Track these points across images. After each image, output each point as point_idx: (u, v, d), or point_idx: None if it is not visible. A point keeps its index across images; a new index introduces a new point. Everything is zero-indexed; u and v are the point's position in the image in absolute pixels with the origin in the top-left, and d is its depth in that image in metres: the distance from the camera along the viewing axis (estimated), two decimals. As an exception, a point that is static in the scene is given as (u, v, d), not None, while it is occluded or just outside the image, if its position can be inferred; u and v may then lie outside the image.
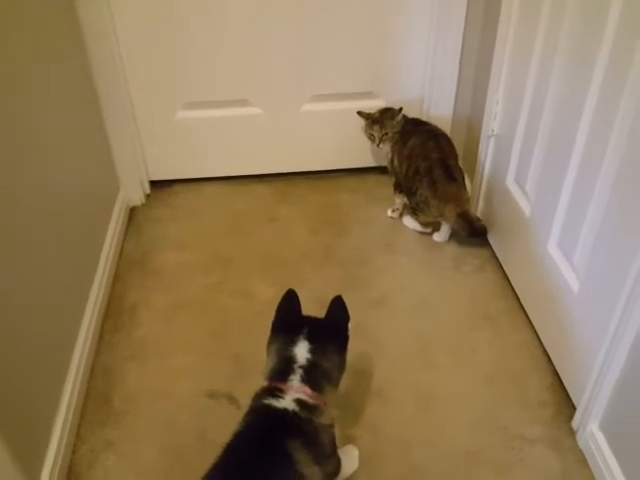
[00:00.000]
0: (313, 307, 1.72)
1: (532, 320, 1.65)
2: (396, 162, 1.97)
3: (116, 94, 1.91)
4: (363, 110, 1.99)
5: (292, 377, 1.07)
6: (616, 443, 1.24)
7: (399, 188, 2.01)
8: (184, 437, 1.40)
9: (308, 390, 1.06)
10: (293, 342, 1.09)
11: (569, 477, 1.31)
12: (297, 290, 1.77)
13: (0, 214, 1.16)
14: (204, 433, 1.40)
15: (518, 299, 1.72)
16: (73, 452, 1.37)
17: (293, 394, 1.05)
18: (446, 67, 2.01)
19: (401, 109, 1.94)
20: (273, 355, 1.12)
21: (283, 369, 1.08)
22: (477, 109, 1.92)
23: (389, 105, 2.02)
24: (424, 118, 2.06)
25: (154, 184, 2.19)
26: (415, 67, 2.05)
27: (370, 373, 1.54)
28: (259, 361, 1.57)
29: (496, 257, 1.87)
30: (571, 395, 1.44)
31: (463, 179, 1.91)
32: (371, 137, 1.98)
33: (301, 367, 1.07)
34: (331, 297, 1.77)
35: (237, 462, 1.00)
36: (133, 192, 2.09)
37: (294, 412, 1.04)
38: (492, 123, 1.78)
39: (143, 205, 2.13)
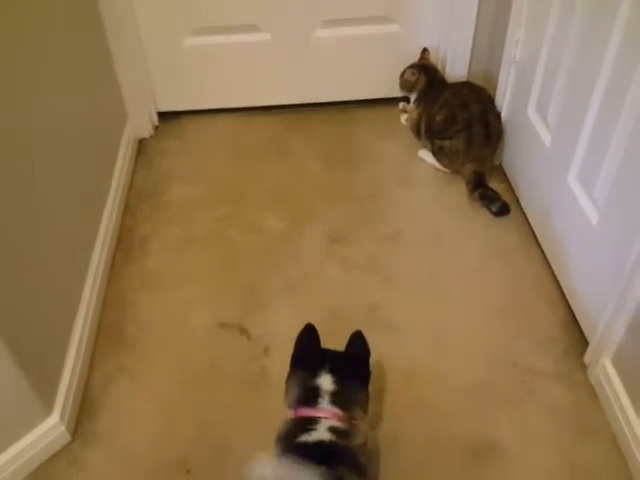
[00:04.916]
0: (324, 242, 1.71)
1: (547, 255, 1.61)
2: (423, 126, 1.92)
3: (122, 21, 1.83)
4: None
5: (321, 400, 1.04)
6: (628, 378, 1.23)
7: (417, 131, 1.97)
8: (195, 365, 1.42)
9: (338, 411, 1.03)
10: (316, 375, 1.07)
11: (578, 411, 1.31)
12: (308, 224, 1.76)
13: (6, 145, 1.14)
14: (215, 362, 1.42)
15: (534, 234, 1.69)
16: (87, 377, 1.39)
17: (324, 422, 1.02)
18: (466, -10, 1.89)
19: (410, 67, 1.97)
20: (295, 387, 1.09)
21: (310, 396, 1.05)
22: (498, 35, 1.82)
23: (408, 34, 1.95)
24: (442, 44, 1.97)
25: (163, 116, 2.14)
26: (433, -11, 1.94)
27: (381, 306, 1.53)
28: (269, 293, 1.58)
29: (513, 191, 1.82)
30: (584, 330, 1.43)
31: (499, 139, 1.84)
32: None
33: (328, 392, 1.05)
34: (344, 232, 1.77)
35: None
36: (141, 123, 2.05)
37: (330, 441, 1.00)
38: (514, 49, 1.69)
39: (152, 137, 2.09)
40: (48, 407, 1.23)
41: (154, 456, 1.26)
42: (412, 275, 1.62)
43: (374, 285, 1.59)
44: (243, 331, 1.48)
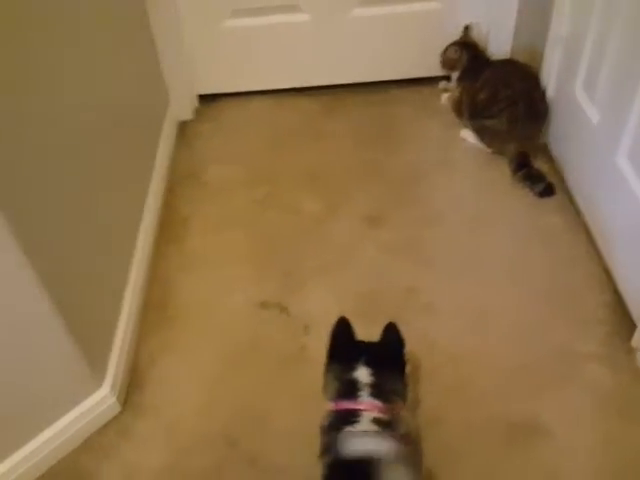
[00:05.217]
0: (362, 224, 1.70)
1: (594, 236, 1.57)
2: (465, 105, 1.88)
3: (163, 5, 1.84)
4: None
5: (361, 393, 1.04)
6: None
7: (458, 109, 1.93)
8: (237, 342, 1.44)
9: (379, 404, 1.03)
10: (353, 368, 1.07)
11: (623, 394, 1.29)
12: (346, 206, 1.76)
13: (53, 128, 1.17)
14: (256, 339, 1.44)
15: (579, 215, 1.64)
16: (135, 352, 1.44)
17: (366, 414, 1.02)
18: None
19: (452, 44, 1.92)
20: (334, 381, 1.10)
21: (349, 389, 1.06)
22: (542, 10, 1.76)
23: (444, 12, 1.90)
24: (484, 20, 1.92)
25: (202, 99, 2.15)
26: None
27: (420, 288, 1.52)
28: (308, 274, 1.58)
29: (558, 172, 1.78)
30: (632, 312, 1.39)
31: (544, 118, 1.78)
32: None
33: (367, 385, 1.05)
34: (382, 213, 1.76)
35: None
36: (182, 106, 2.07)
37: (376, 431, 1.01)
38: (561, 25, 1.64)
39: (192, 120, 2.11)
40: (100, 379, 1.28)
41: (198, 429, 1.29)
42: (452, 257, 1.60)
43: (413, 267, 1.58)
44: (283, 310, 1.49)
